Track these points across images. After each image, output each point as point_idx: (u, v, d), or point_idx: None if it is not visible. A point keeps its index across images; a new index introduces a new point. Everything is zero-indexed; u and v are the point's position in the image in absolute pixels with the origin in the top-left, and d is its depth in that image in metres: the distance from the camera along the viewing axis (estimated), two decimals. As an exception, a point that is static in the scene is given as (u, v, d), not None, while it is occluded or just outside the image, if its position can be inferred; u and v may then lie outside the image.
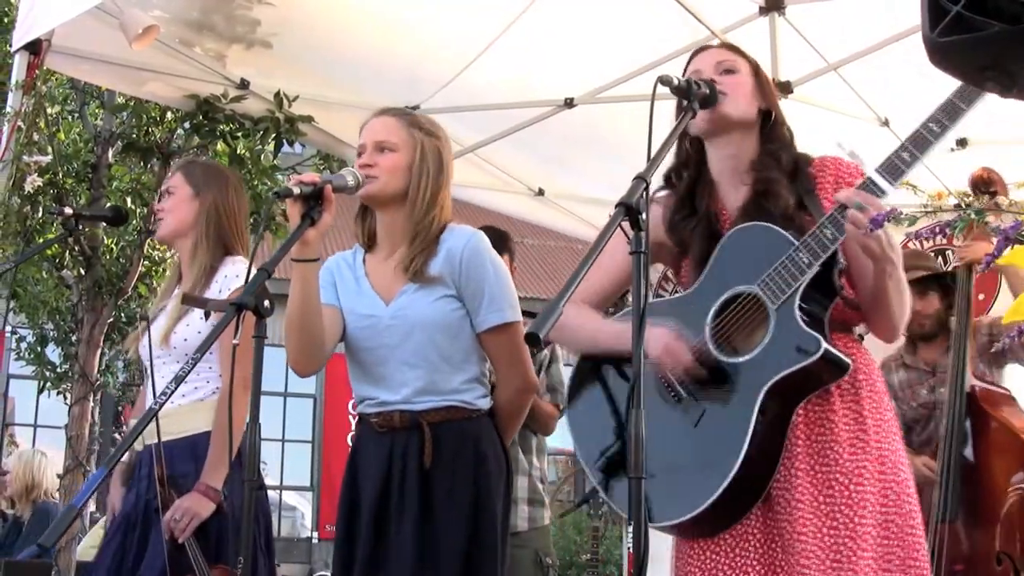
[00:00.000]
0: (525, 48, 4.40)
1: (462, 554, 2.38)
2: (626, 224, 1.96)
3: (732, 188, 2.36)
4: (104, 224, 4.74)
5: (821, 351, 2.13)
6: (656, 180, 2.17)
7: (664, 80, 2.21)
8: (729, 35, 4.01)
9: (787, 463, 2.20)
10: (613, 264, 2.28)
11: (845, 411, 2.22)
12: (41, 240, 4.37)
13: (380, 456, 2.47)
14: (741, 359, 2.22)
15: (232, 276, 2.95)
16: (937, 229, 3.42)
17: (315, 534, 13.73)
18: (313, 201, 2.29)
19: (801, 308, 2.18)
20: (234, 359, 2.20)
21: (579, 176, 5.51)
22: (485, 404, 2.52)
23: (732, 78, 2.33)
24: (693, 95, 2.26)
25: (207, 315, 2.53)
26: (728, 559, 2.21)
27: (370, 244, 2.61)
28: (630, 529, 1.90)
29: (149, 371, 2.86)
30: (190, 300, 2.56)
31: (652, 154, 2.10)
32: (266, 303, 2.11)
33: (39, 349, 6.56)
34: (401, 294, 2.50)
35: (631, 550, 1.89)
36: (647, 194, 2.00)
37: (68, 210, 3.16)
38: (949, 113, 2.04)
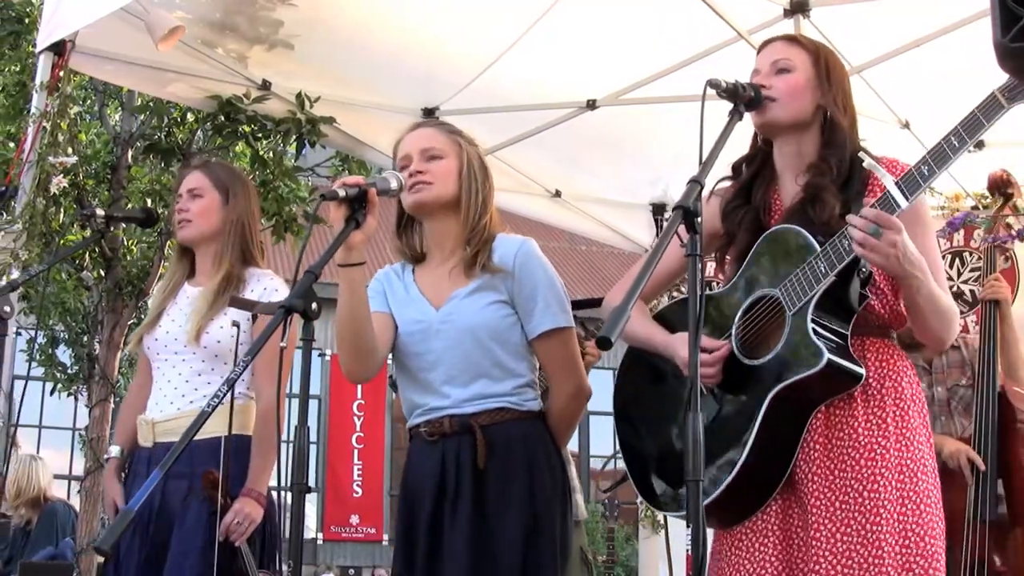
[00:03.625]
0: (547, 49, 4.39)
1: (520, 551, 2.37)
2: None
3: (791, 184, 2.37)
4: (124, 225, 4.74)
5: (823, 363, 2.13)
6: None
7: (713, 83, 2.23)
8: (754, 36, 4.02)
9: (805, 465, 2.21)
10: (664, 257, 2.27)
11: (867, 416, 2.21)
12: (62, 242, 4.35)
13: (432, 464, 2.45)
14: (756, 362, 2.25)
15: (272, 290, 2.98)
16: (956, 222, 3.45)
17: (320, 535, 13.71)
18: (357, 204, 2.28)
19: (820, 315, 2.19)
20: (281, 363, 2.20)
21: (596, 178, 5.51)
22: (536, 406, 2.51)
23: (785, 79, 2.32)
24: (740, 98, 2.28)
25: (254, 318, 2.52)
26: (748, 553, 2.25)
27: (417, 258, 2.60)
28: (685, 531, 1.90)
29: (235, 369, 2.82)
30: (238, 302, 2.55)
31: (704, 156, 2.10)
32: (313, 306, 2.11)
33: (50, 351, 6.57)
34: (451, 299, 2.49)
35: (689, 551, 1.89)
36: (701, 197, 2.01)
37: (100, 211, 3.15)
38: (969, 128, 2.05)
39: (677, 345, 2.35)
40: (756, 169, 2.42)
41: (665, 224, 5.63)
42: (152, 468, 2.89)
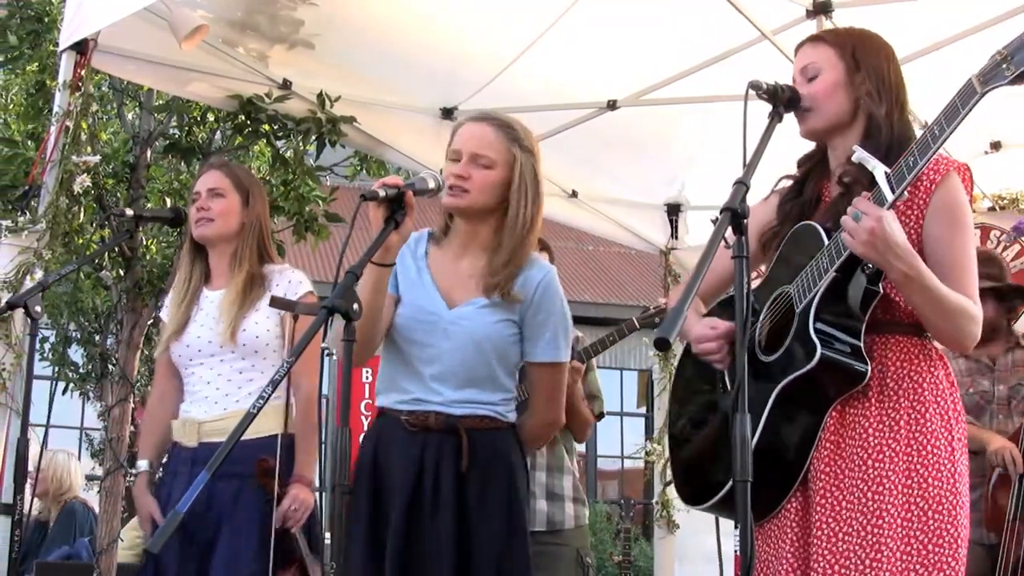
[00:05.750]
0: (567, 49, 4.40)
1: (497, 558, 2.41)
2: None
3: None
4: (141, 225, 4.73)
5: (816, 359, 2.13)
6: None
7: (754, 85, 2.22)
8: (777, 37, 4.02)
9: (817, 463, 2.21)
10: (721, 260, 2.24)
11: (880, 417, 2.18)
12: (81, 241, 4.34)
13: (410, 455, 2.45)
14: (769, 358, 2.26)
15: (296, 282, 3.01)
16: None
17: (327, 534, 13.70)
18: (396, 204, 2.29)
19: (830, 312, 2.18)
20: (323, 362, 2.21)
21: (612, 178, 5.51)
22: (514, 418, 2.57)
23: (815, 86, 2.29)
24: (779, 99, 2.27)
25: (296, 318, 2.53)
26: (772, 548, 2.26)
27: (442, 232, 2.59)
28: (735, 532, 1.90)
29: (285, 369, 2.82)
30: (279, 303, 2.56)
31: (748, 158, 2.10)
32: (355, 306, 2.11)
33: (61, 350, 6.57)
34: (468, 304, 2.50)
35: (737, 551, 1.89)
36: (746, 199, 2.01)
37: (129, 211, 3.15)
38: (949, 115, 2.03)
39: (690, 322, 2.34)
40: (814, 164, 2.40)
41: (678, 223, 5.69)
42: (196, 468, 2.89)
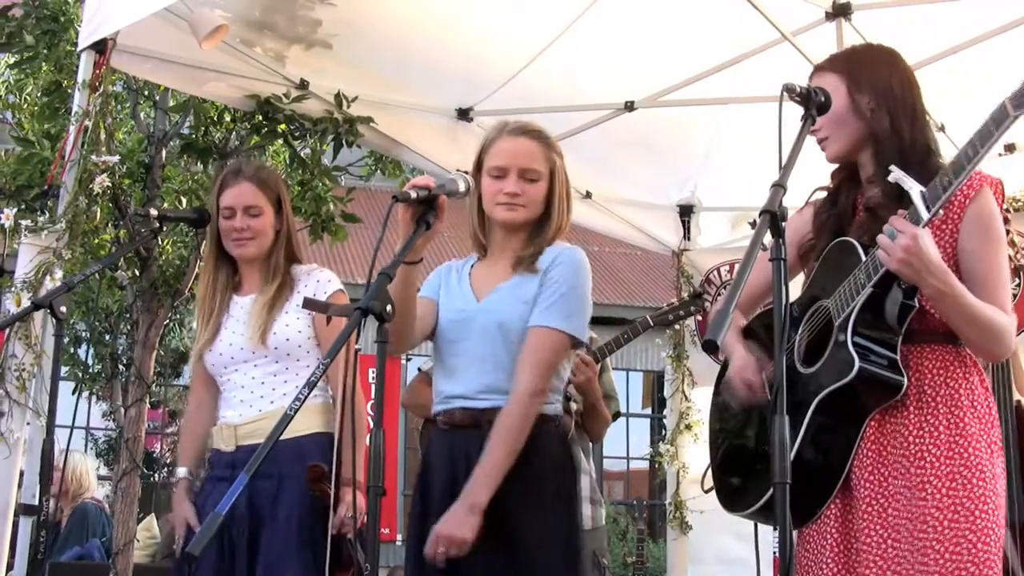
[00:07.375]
0: (584, 50, 4.40)
1: (532, 557, 2.38)
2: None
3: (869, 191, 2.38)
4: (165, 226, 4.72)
5: (854, 373, 2.16)
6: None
7: (788, 88, 2.22)
8: (796, 39, 4.01)
9: (858, 471, 2.23)
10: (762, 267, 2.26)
11: (920, 424, 2.21)
12: (97, 241, 4.35)
13: (443, 455, 2.48)
14: (808, 370, 2.29)
15: (325, 281, 3.00)
16: None
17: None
18: (427, 206, 2.29)
19: (867, 325, 2.21)
20: (356, 364, 2.20)
21: (627, 179, 5.50)
22: (550, 410, 2.50)
23: (826, 119, 2.28)
24: (812, 103, 2.27)
25: (328, 320, 2.53)
26: (812, 553, 2.28)
27: (485, 250, 2.67)
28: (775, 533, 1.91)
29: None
30: (312, 304, 2.56)
31: (784, 161, 2.10)
32: (388, 308, 2.11)
33: (72, 350, 6.57)
34: (493, 292, 2.54)
35: (776, 553, 1.90)
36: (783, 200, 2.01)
37: (153, 211, 3.14)
38: (983, 137, 2.06)
39: (744, 371, 2.41)
40: (845, 175, 2.42)
41: (690, 225, 5.68)
42: (236, 471, 2.86)
